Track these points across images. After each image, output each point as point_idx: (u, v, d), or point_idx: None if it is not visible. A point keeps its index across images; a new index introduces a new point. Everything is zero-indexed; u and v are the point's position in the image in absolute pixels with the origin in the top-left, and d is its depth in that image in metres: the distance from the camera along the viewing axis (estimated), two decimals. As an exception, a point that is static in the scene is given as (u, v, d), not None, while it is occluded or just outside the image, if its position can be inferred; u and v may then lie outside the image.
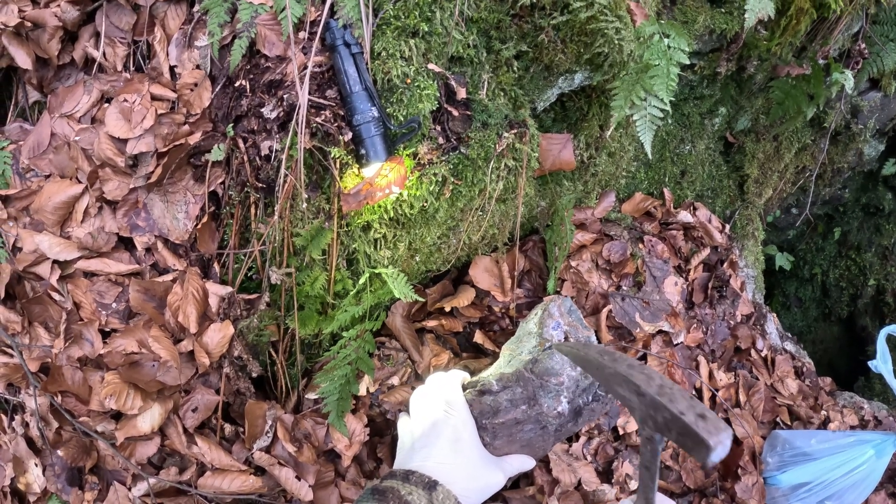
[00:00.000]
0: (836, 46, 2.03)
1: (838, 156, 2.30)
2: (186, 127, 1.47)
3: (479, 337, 1.50)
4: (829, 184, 2.43)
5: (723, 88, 1.87)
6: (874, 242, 2.83)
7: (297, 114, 1.19)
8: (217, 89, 1.46)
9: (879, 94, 2.23)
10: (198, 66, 1.50)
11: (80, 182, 1.54)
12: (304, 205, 1.21)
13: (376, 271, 1.30)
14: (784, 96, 1.88)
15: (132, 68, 1.58)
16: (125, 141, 1.51)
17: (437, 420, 1.01)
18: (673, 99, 1.41)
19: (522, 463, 1.09)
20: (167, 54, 1.54)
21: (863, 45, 2.01)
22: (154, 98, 1.52)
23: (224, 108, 1.45)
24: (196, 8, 1.50)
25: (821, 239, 2.95)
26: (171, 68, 1.53)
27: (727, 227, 1.95)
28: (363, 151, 1.21)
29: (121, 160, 1.49)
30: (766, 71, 1.88)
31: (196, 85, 1.50)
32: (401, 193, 1.25)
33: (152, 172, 1.45)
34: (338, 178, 1.23)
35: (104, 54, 1.58)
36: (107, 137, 1.51)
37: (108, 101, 1.55)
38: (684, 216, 1.85)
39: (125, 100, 1.52)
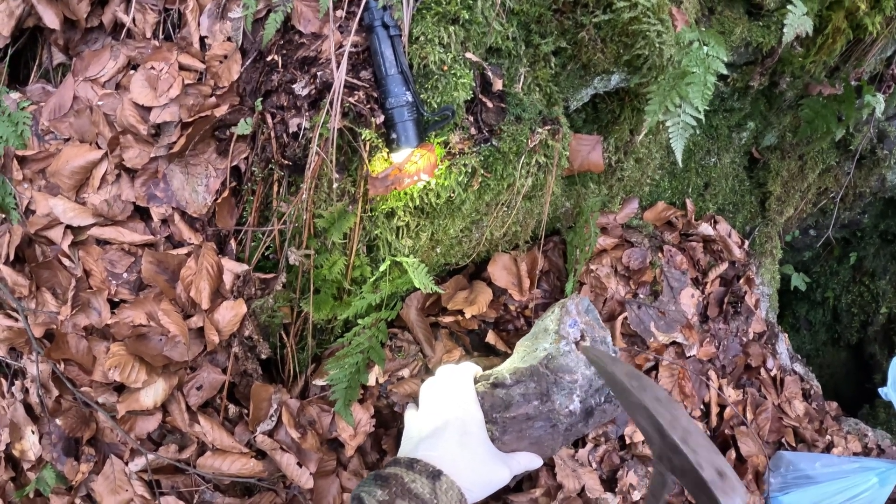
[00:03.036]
0: (869, 69, 2.01)
1: (861, 180, 2.29)
2: (213, 99, 1.45)
3: (491, 337, 1.47)
4: (850, 208, 2.41)
5: (753, 103, 1.86)
6: (889, 270, 2.81)
7: (332, 92, 1.16)
8: (247, 63, 1.43)
9: (907, 120, 2.21)
10: (229, 39, 1.47)
11: (99, 148, 1.51)
12: (335, 185, 1.18)
13: (397, 259, 1.27)
14: (814, 115, 1.86)
15: (161, 36, 1.56)
16: (149, 109, 1.48)
17: (445, 412, 1.00)
18: (707, 108, 1.39)
19: (530, 461, 1.07)
20: (198, 24, 1.51)
21: (895, 70, 1.99)
22: (182, 68, 1.49)
23: (253, 82, 1.42)
24: (234, -21, 1.48)
25: (836, 263, 2.94)
26: (202, 39, 1.50)
27: (746, 242, 1.94)
28: (394, 136, 1.19)
29: (143, 128, 1.46)
30: (798, 88, 1.86)
31: (226, 57, 1.47)
32: (429, 182, 1.23)
33: (175, 143, 1.43)
34: (366, 161, 1.20)
35: (133, 20, 1.55)
36: (130, 104, 1.48)
37: (135, 67, 1.53)
38: (705, 228, 1.83)
39: (152, 67, 1.49)
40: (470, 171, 1.25)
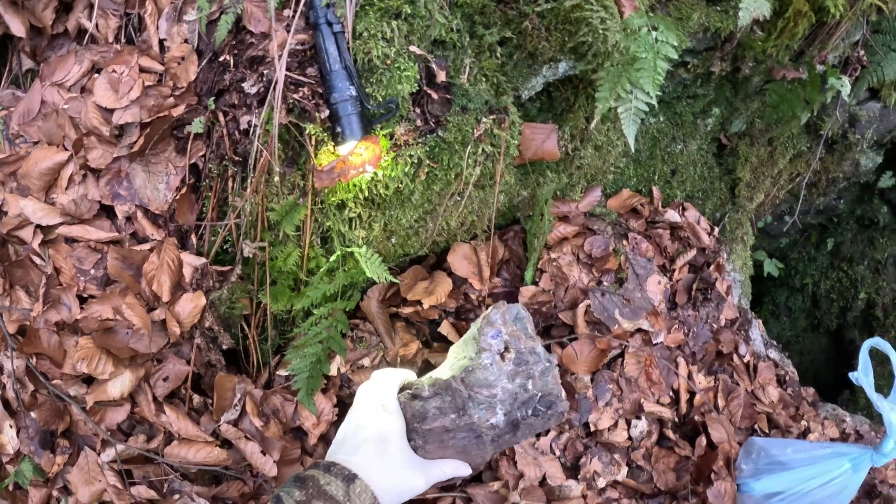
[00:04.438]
0: (837, 53, 2.01)
1: (834, 165, 2.28)
2: (171, 99, 1.49)
3: (445, 328, 1.49)
4: (824, 193, 2.40)
5: (717, 89, 1.86)
6: (867, 255, 2.80)
7: (272, 88, 1.19)
8: (203, 63, 1.47)
9: (879, 104, 2.20)
10: (186, 41, 1.52)
11: (66, 149, 1.56)
12: (277, 178, 1.21)
13: (349, 250, 1.30)
14: (779, 99, 1.86)
15: (123, 40, 1.60)
16: (112, 111, 1.53)
17: (368, 419, 1.01)
18: (660, 93, 1.39)
19: (455, 469, 1.07)
20: (157, 27, 1.56)
21: (862, 53, 1.98)
22: (142, 70, 1.54)
23: (209, 82, 1.46)
24: (188, -18, 1.51)
25: (813, 249, 2.92)
26: (161, 41, 1.55)
27: (716, 229, 1.94)
28: (339, 129, 1.22)
29: (106, 129, 1.51)
30: (763, 73, 1.86)
31: (183, 59, 1.51)
32: (375, 173, 1.26)
33: (135, 142, 1.47)
34: (312, 155, 1.23)
35: (97, 25, 1.60)
36: (94, 107, 1.52)
37: (99, 71, 1.57)
38: (672, 215, 1.84)
39: (114, 71, 1.54)
40: (416, 161, 1.27)
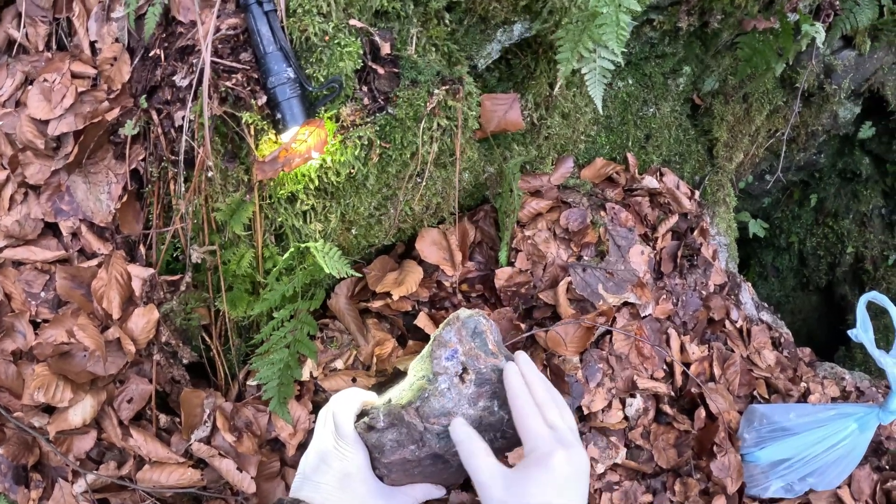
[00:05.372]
0: (808, 1, 1.93)
1: (812, 118, 2.20)
2: (106, 103, 1.40)
3: (422, 320, 1.40)
4: (804, 148, 2.33)
5: (686, 46, 1.78)
6: (852, 209, 2.73)
7: (197, 77, 1.10)
8: (136, 62, 1.38)
9: (854, 52, 2.13)
10: (117, 40, 1.42)
11: (3, 168, 1.46)
12: (211, 173, 1.12)
13: (304, 246, 1.21)
14: (752, 52, 1.78)
15: (55, 47, 1.51)
16: (47, 122, 1.44)
17: (327, 451, 0.95)
18: (627, 54, 1.32)
19: (426, 492, 0.99)
20: (86, 30, 1.47)
21: (834, -1, 1.91)
22: (74, 76, 1.45)
23: (143, 80, 1.36)
24: (114, -22, 1.43)
25: (797, 206, 2.85)
26: (92, 44, 1.46)
27: (697, 193, 1.86)
28: (279, 115, 1.13)
29: (41, 142, 1.42)
30: (732, 26, 1.78)
31: (115, 59, 1.42)
32: (323, 159, 1.17)
33: (70, 153, 1.38)
34: (253, 146, 1.14)
35: (26, 35, 1.51)
36: (28, 120, 1.43)
37: (32, 82, 1.48)
38: (650, 182, 1.76)
39: (45, 80, 1.45)
40: (366, 142, 1.18)
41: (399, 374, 1.38)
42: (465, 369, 0.91)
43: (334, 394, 1.03)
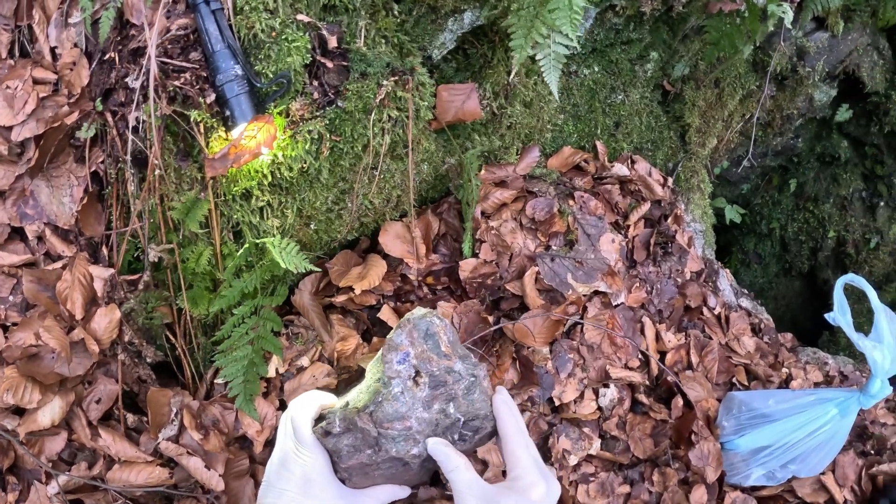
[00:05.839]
0: (777, -17, 1.91)
1: (786, 101, 2.18)
2: (67, 107, 1.41)
3: (385, 313, 1.39)
4: (780, 132, 2.31)
5: (652, 31, 1.77)
6: (832, 193, 2.71)
7: (148, 77, 1.11)
8: (94, 65, 1.39)
9: (827, 34, 2.11)
10: (75, 45, 1.44)
11: (-30, 175, 1.47)
12: (159, 171, 1.13)
13: (259, 242, 1.21)
14: (719, 35, 1.77)
15: (17, 54, 1.52)
16: (10, 128, 1.45)
17: (287, 456, 0.95)
18: (581, 35, 1.31)
19: (390, 493, 1.00)
20: (47, 36, 1.48)
21: (803, -21, 1.90)
22: (36, 82, 1.46)
23: (101, 84, 1.37)
24: (72, -16, 1.44)
25: (776, 192, 2.83)
26: (52, 49, 1.47)
27: (670, 180, 1.85)
28: (228, 112, 1.13)
29: (5, 148, 1.43)
30: (698, 10, 1.77)
31: (75, 64, 1.43)
32: (275, 155, 1.17)
33: (32, 157, 1.39)
34: (203, 144, 1.14)
35: (-11, 43, 1.52)
36: (-8, 127, 1.44)
37: (-4, 90, 1.49)
38: (620, 169, 1.74)
39: (7, 87, 1.46)
40: (317, 136, 1.18)
41: (363, 373, 1.37)
42: (417, 372, 0.91)
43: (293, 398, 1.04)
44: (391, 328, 1.41)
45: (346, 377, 1.39)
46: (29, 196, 1.45)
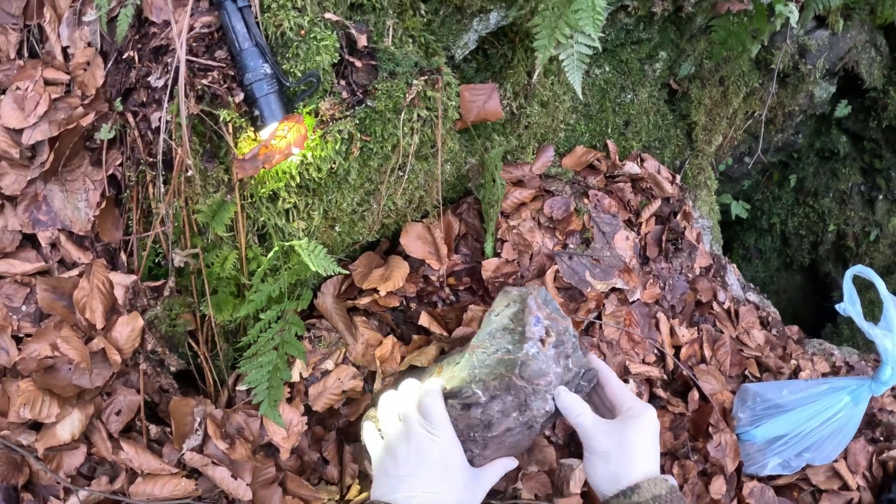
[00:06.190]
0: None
1: (788, 98, 2.22)
2: (81, 109, 1.37)
3: (425, 320, 1.39)
4: (781, 129, 2.35)
5: (661, 31, 1.78)
6: (831, 187, 2.76)
7: (173, 75, 1.09)
8: (109, 65, 1.36)
9: (827, 32, 2.15)
10: (89, 44, 1.40)
11: (-22, 180, 1.43)
12: (191, 172, 1.11)
13: (287, 244, 1.20)
14: (726, 35, 1.79)
15: (27, 54, 1.49)
16: (21, 131, 1.41)
17: (422, 443, 0.96)
18: (602, 35, 1.31)
19: (505, 466, 1.06)
20: (58, 35, 1.45)
21: (805, -22, 1.92)
22: (47, 83, 1.42)
23: (118, 84, 1.34)
24: (83, -19, 1.41)
25: (777, 187, 2.88)
26: (64, 49, 1.44)
27: (678, 177, 1.87)
28: (257, 112, 1.11)
29: (16, 151, 1.39)
30: (706, 10, 1.79)
31: (89, 63, 1.40)
32: (304, 155, 1.15)
33: (46, 160, 1.35)
34: (232, 144, 1.13)
35: (-4, 44, 1.48)
36: (1, 129, 1.41)
37: (4, 91, 1.45)
38: (631, 167, 1.76)
39: (18, 88, 1.42)
40: (347, 136, 1.17)
41: (411, 371, 1.36)
42: (547, 332, 1.03)
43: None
44: (429, 331, 1.41)
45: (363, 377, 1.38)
46: (42, 201, 1.41)
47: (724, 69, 1.94)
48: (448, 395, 1.03)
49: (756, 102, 2.07)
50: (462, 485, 0.96)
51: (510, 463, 1.07)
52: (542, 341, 1.02)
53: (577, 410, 1.02)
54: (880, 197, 2.70)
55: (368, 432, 1.10)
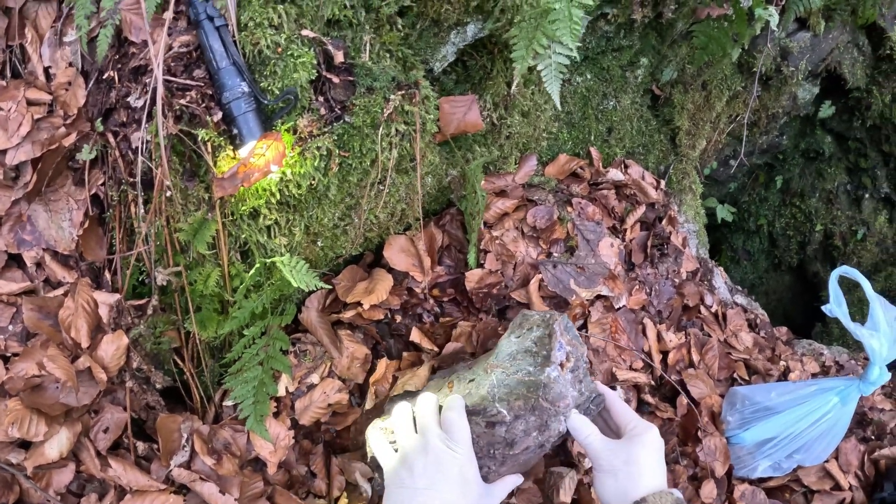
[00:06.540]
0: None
1: (771, 101, 2.23)
2: (63, 129, 1.38)
3: (416, 336, 1.40)
4: (766, 131, 2.36)
5: (642, 38, 1.79)
6: (817, 188, 2.78)
7: (155, 95, 1.09)
8: (91, 85, 1.37)
9: (808, 34, 2.16)
10: (70, 64, 1.41)
11: (-38, 202, 1.44)
12: (170, 193, 1.11)
13: (269, 261, 1.20)
14: (707, 40, 1.80)
15: (9, 75, 1.49)
16: (5, 152, 1.42)
17: (440, 457, 0.99)
18: (580, 45, 1.32)
19: (514, 482, 1.11)
20: (40, 55, 1.45)
21: (784, -19, 1.94)
22: (30, 103, 1.43)
23: (99, 104, 1.35)
24: (65, 2, 1.42)
25: (763, 189, 2.89)
26: (46, 69, 1.45)
27: (662, 182, 1.87)
28: (236, 130, 1.12)
29: (0, 172, 1.40)
30: (686, 16, 1.80)
31: (70, 83, 1.40)
32: (283, 172, 1.16)
33: (29, 181, 1.36)
34: (211, 163, 1.13)
35: (-21, 65, 1.49)
36: (-16, 151, 1.41)
37: (-14, 111, 1.46)
38: (615, 174, 1.77)
39: (1, 108, 1.43)
40: (325, 153, 1.18)
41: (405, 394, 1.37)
42: (567, 357, 1.09)
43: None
44: (420, 347, 1.42)
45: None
46: (26, 221, 1.42)
47: (707, 74, 1.95)
48: (471, 413, 1.07)
49: (739, 106, 2.08)
50: (476, 500, 1.00)
51: (518, 479, 1.12)
52: (562, 365, 1.08)
53: (587, 432, 1.07)
54: (866, 196, 2.72)
55: (378, 441, 1.12)
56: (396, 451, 1.07)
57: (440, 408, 1.09)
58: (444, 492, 0.96)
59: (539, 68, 1.30)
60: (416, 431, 1.06)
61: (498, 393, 1.07)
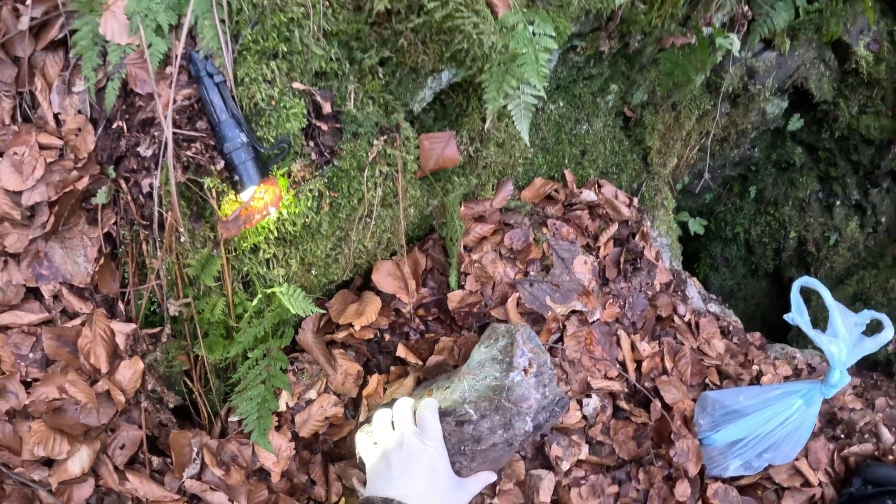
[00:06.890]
0: (725, 11, 2.08)
1: (740, 117, 2.35)
2: (75, 172, 1.50)
3: (401, 351, 1.53)
4: (736, 145, 2.48)
5: (611, 66, 1.92)
6: (790, 196, 2.90)
7: (165, 149, 1.22)
8: (99, 132, 1.49)
9: (774, 53, 2.28)
10: (79, 111, 1.53)
11: (-17, 240, 1.56)
12: (183, 237, 1.24)
13: (269, 291, 1.33)
14: (673, 66, 1.93)
15: (20, 120, 1.61)
16: (20, 193, 1.54)
17: (414, 450, 1.11)
18: (557, 79, 1.43)
19: (488, 478, 1.22)
20: (50, 102, 1.57)
21: (746, 9, 2.06)
22: (42, 147, 1.55)
23: (108, 149, 1.48)
24: (71, 53, 1.53)
25: (738, 199, 3.02)
26: (56, 115, 1.56)
27: (635, 200, 2.00)
28: (237, 177, 1.24)
29: (17, 213, 1.52)
30: (653, 43, 1.92)
31: (80, 130, 1.52)
32: (280, 213, 1.29)
33: (46, 221, 1.48)
34: (216, 207, 1.26)
35: (-8, 109, 1.60)
36: (2, 192, 1.53)
37: (1, 155, 1.58)
38: (588, 195, 1.89)
39: (15, 153, 1.55)
40: (317, 194, 1.30)
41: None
42: (530, 364, 1.21)
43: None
44: (406, 361, 1.54)
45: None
46: (43, 257, 1.54)
47: (676, 95, 2.07)
48: (443, 413, 1.21)
49: (709, 122, 2.21)
50: (446, 490, 1.10)
51: (491, 476, 1.22)
52: (526, 371, 1.20)
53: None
54: (837, 203, 2.85)
55: (363, 442, 1.24)
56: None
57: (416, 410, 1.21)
58: (416, 480, 1.07)
59: (509, 108, 1.43)
60: (395, 430, 1.18)
61: (468, 396, 1.21)
